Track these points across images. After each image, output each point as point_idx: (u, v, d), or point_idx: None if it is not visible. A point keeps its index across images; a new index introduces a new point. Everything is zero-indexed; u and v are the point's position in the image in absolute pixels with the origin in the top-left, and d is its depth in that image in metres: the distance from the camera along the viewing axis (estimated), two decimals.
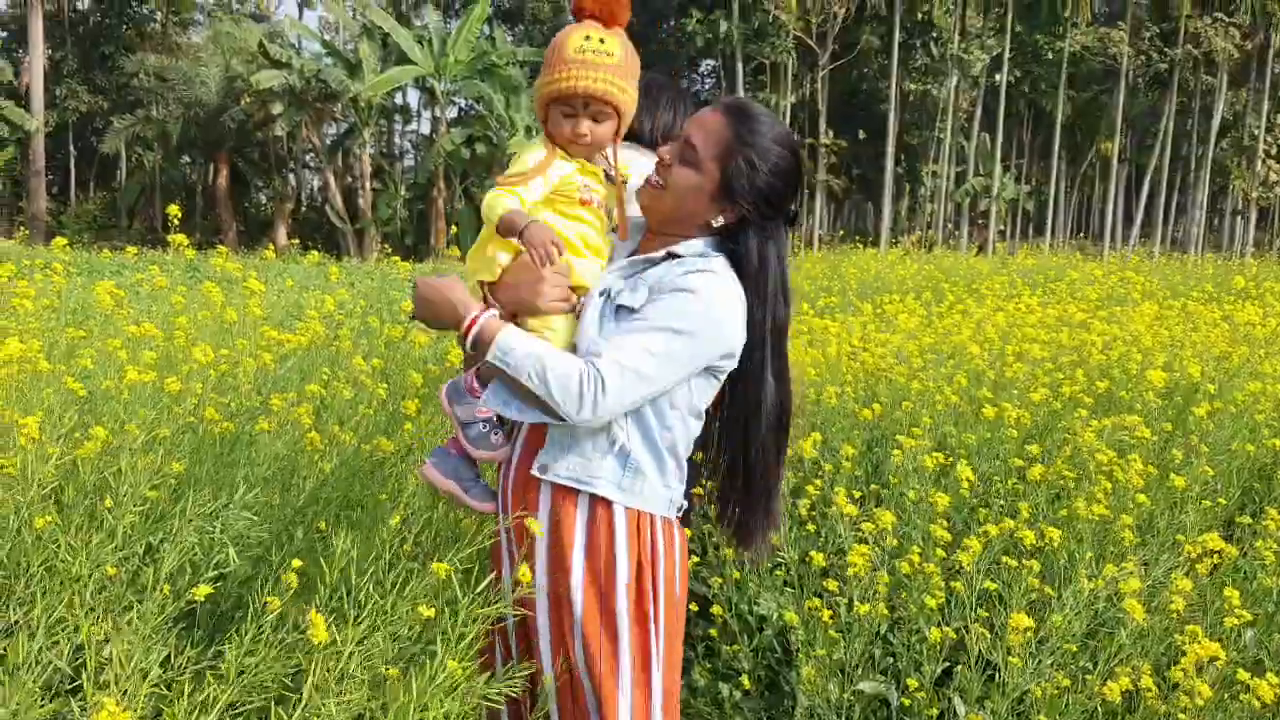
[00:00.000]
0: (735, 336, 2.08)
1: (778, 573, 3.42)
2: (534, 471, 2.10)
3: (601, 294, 2.12)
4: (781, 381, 2.21)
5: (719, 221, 2.12)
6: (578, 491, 2.07)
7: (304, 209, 45.56)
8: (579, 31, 2.11)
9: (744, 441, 2.20)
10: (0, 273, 3.35)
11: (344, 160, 41.81)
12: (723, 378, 2.14)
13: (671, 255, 2.12)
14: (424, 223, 39.77)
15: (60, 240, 3.68)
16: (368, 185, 39.08)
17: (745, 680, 3.17)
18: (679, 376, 2.03)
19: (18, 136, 38.12)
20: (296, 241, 9.63)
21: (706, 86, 48.40)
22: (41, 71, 38.58)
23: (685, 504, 2.20)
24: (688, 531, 2.29)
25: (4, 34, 43.56)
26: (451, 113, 40.00)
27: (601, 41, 2.10)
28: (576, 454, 2.06)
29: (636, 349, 1.97)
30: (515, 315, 2.12)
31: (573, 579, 2.05)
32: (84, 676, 1.68)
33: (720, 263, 2.10)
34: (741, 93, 36.78)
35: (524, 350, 2.00)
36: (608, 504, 2.06)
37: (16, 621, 2.02)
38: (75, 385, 2.70)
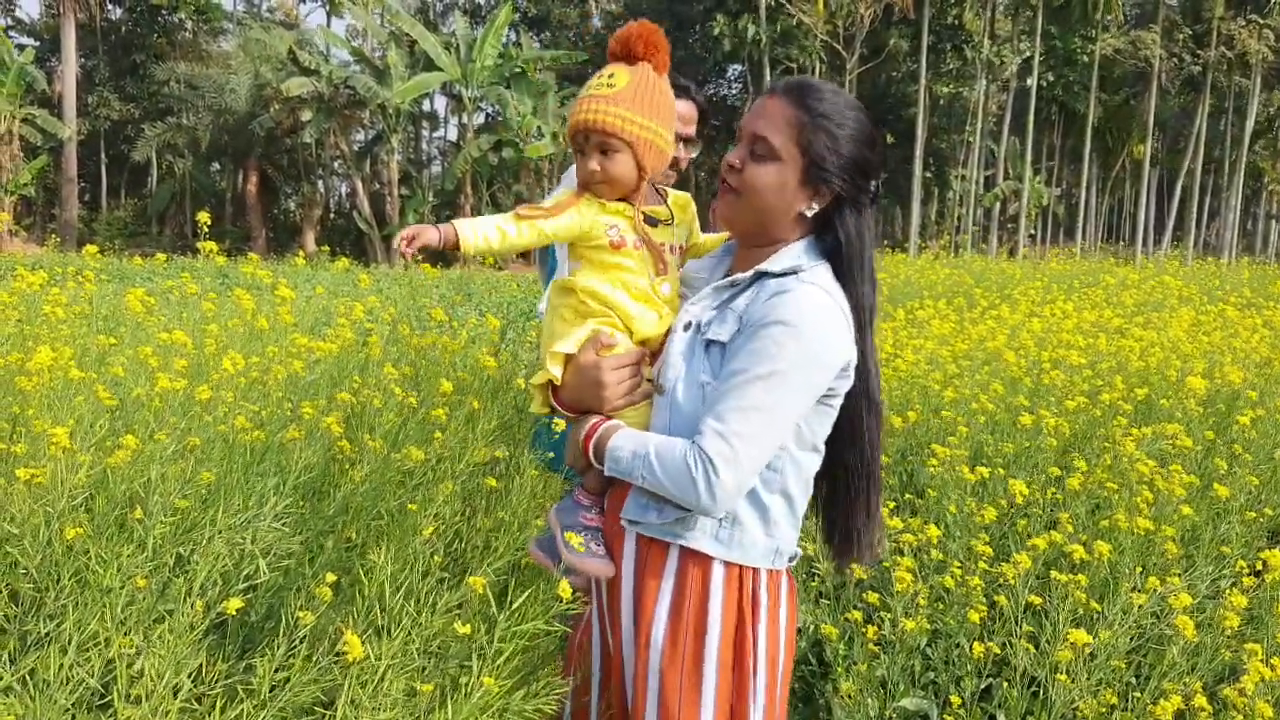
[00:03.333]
0: (842, 354, 1.85)
1: (812, 584, 3.36)
2: (623, 522, 1.97)
3: (686, 327, 1.96)
4: (876, 371, 1.99)
5: (812, 209, 1.91)
6: (668, 544, 1.92)
7: (332, 215, 45.85)
8: (597, 74, 2.05)
9: (850, 438, 1.97)
10: (32, 280, 3.34)
11: (372, 167, 42.03)
12: (837, 401, 1.91)
13: (761, 275, 1.92)
14: None
15: (91, 248, 3.67)
16: (395, 192, 39.24)
17: None
18: (794, 421, 1.85)
19: (51, 144, 38.55)
20: (326, 248, 9.62)
21: (734, 91, 48.31)
22: (74, 80, 39.01)
23: (798, 551, 2.00)
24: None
25: (37, 43, 44.01)
26: (479, 119, 40.11)
27: (610, 76, 2.02)
28: (670, 504, 1.88)
29: (736, 412, 1.79)
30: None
31: (654, 633, 1.91)
32: (115, 693, 1.65)
33: (816, 272, 1.89)
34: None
35: (629, 451, 1.88)
36: (702, 558, 1.90)
37: (47, 634, 2.00)
38: (105, 395, 2.68)
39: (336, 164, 43.34)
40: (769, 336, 1.79)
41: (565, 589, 1.81)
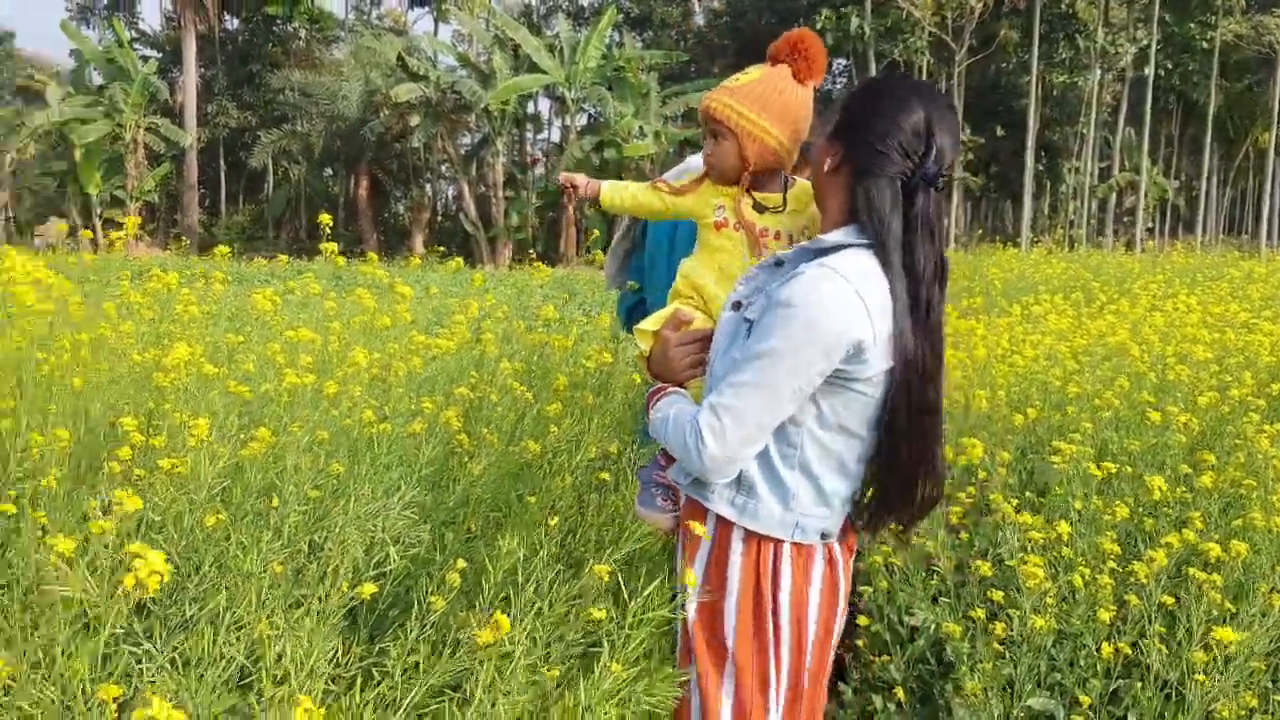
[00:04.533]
0: (842, 336, 1.83)
1: (931, 582, 3.31)
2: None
3: (735, 306, 2.02)
4: (916, 354, 1.91)
5: (827, 165, 1.96)
6: (705, 507, 2.02)
7: (439, 218, 46.74)
8: None
9: (888, 423, 1.95)
10: (168, 280, 3.49)
11: (478, 170, 42.71)
12: (865, 387, 1.91)
13: (802, 252, 1.97)
14: (554, 230, 40.39)
15: (223, 248, 3.83)
16: (500, 194, 39.83)
17: (900, 692, 3.08)
18: (786, 400, 1.87)
19: (173, 153, 40.10)
20: (440, 249, 9.85)
21: (838, 86, 47.76)
22: (194, 90, 40.53)
23: (830, 530, 2.02)
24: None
25: (159, 55, 45.78)
26: (581, 120, 40.45)
27: (746, 72, 2.16)
28: None
29: (730, 387, 1.88)
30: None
31: (690, 591, 2.02)
32: (261, 672, 1.72)
33: (843, 254, 1.90)
34: None
35: (660, 415, 2.03)
36: (726, 522, 2.00)
37: (192, 617, 2.09)
38: (242, 389, 2.79)
39: (444, 167, 44.16)
40: (772, 315, 1.87)
41: (691, 578, 1.84)
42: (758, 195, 2.17)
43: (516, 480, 3.25)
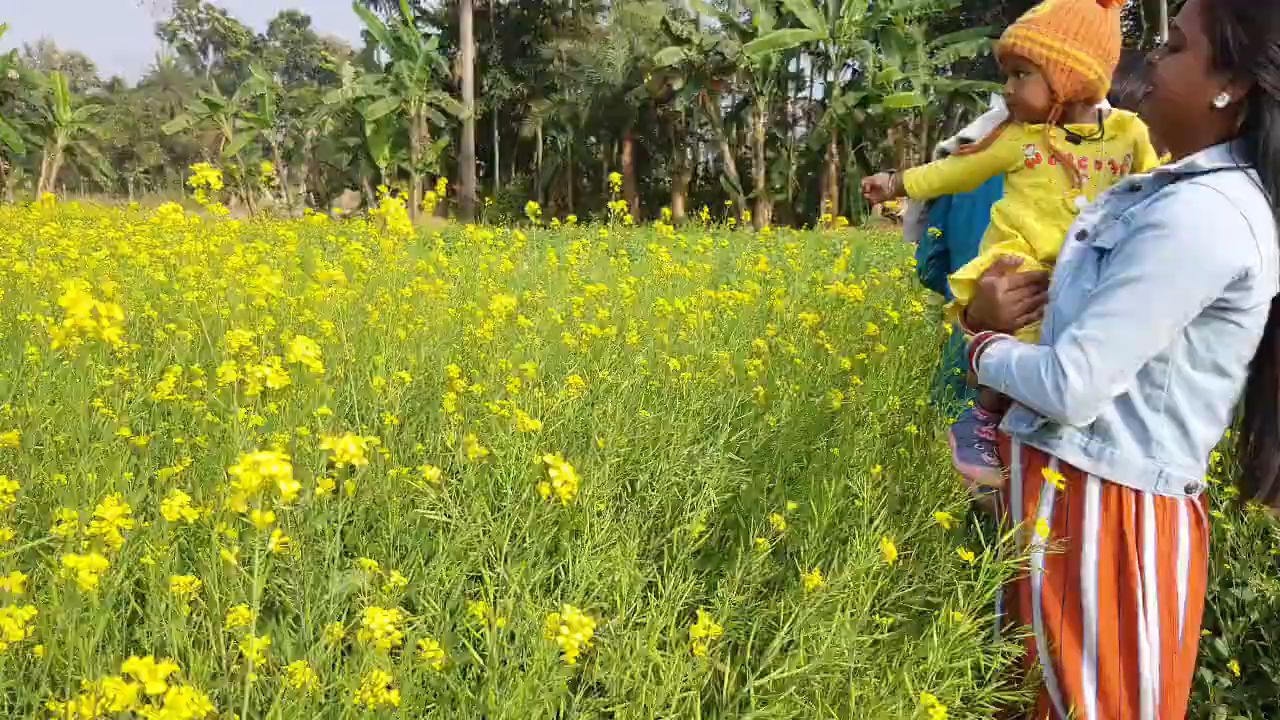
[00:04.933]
0: (1228, 261, 1.65)
1: (1270, 552, 3.05)
2: (1002, 429, 2.00)
3: (1080, 236, 1.88)
4: None
5: (1223, 99, 1.73)
6: (1048, 455, 1.88)
7: (698, 181, 47.15)
8: None
9: (1267, 357, 1.77)
10: (483, 237, 3.68)
11: (738, 131, 42.73)
12: (1245, 319, 1.71)
13: (1162, 176, 1.78)
14: (814, 189, 39.87)
15: (533, 205, 4.00)
16: (761, 154, 39.69)
17: (1235, 666, 2.86)
18: (1162, 331, 1.70)
19: (452, 125, 42.31)
20: (705, 210, 10.02)
21: (1124, 29, 44.45)
22: (471, 64, 42.56)
23: (1197, 482, 1.83)
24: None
25: (439, 32, 48.24)
26: (845, 75, 39.59)
27: (1044, 2, 2.05)
28: (1036, 412, 1.87)
29: (1095, 318, 1.72)
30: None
31: (1040, 543, 1.86)
32: (616, 598, 1.79)
33: (1221, 175, 1.70)
34: (1166, 33, 33.32)
35: (997, 360, 1.90)
36: (1076, 472, 1.84)
37: (531, 544, 2.20)
38: (578, 337, 2.90)
39: (704, 130, 44.46)
40: (1141, 240, 1.70)
41: (1043, 526, 1.76)
42: (1070, 127, 2.06)
43: (818, 432, 3.22)
